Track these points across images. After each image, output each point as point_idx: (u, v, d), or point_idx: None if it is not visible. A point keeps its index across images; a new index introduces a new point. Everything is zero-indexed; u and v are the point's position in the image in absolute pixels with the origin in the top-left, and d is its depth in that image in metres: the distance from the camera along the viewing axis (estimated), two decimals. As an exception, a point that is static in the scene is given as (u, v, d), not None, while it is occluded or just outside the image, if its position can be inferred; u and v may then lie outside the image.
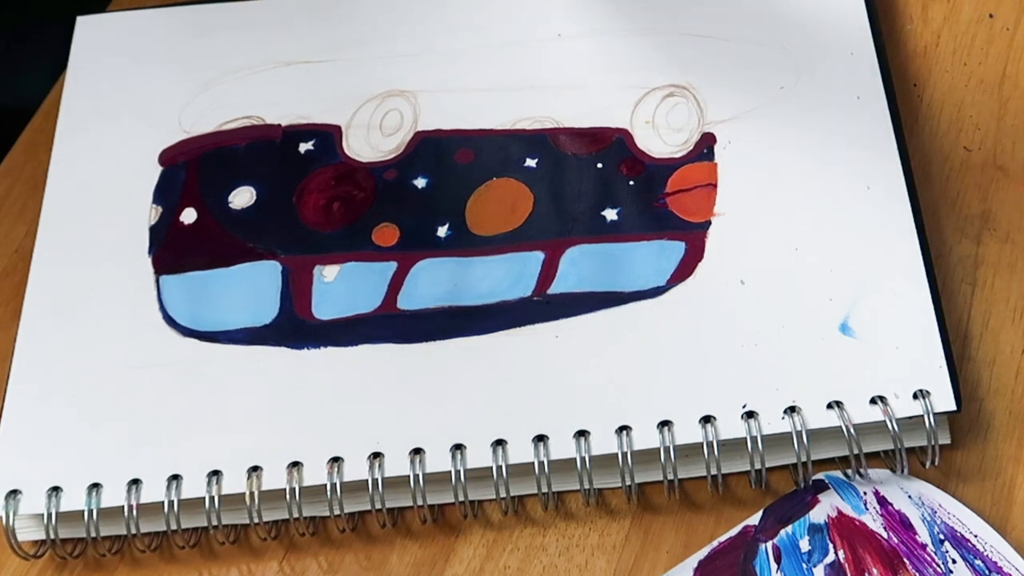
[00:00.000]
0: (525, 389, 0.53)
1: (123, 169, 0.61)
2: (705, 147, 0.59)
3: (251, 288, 0.57)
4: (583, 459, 0.51)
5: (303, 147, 0.61)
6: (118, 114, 0.63)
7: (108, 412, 0.54)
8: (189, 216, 0.59)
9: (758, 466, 0.51)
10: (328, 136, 0.61)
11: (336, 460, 0.52)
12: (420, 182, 0.59)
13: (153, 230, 0.59)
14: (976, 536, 0.50)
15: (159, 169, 0.61)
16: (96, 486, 0.52)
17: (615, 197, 0.58)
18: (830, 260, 0.55)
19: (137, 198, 0.60)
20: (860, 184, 0.56)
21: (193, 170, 0.61)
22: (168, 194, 0.60)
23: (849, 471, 0.52)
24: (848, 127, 0.58)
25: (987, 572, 0.49)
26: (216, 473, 0.52)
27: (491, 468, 0.51)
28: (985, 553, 0.49)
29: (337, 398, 0.54)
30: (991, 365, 0.54)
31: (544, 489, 0.52)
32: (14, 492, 0.52)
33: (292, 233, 0.58)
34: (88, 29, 0.66)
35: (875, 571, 0.49)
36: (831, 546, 0.50)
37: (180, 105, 0.63)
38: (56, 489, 0.52)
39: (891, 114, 0.58)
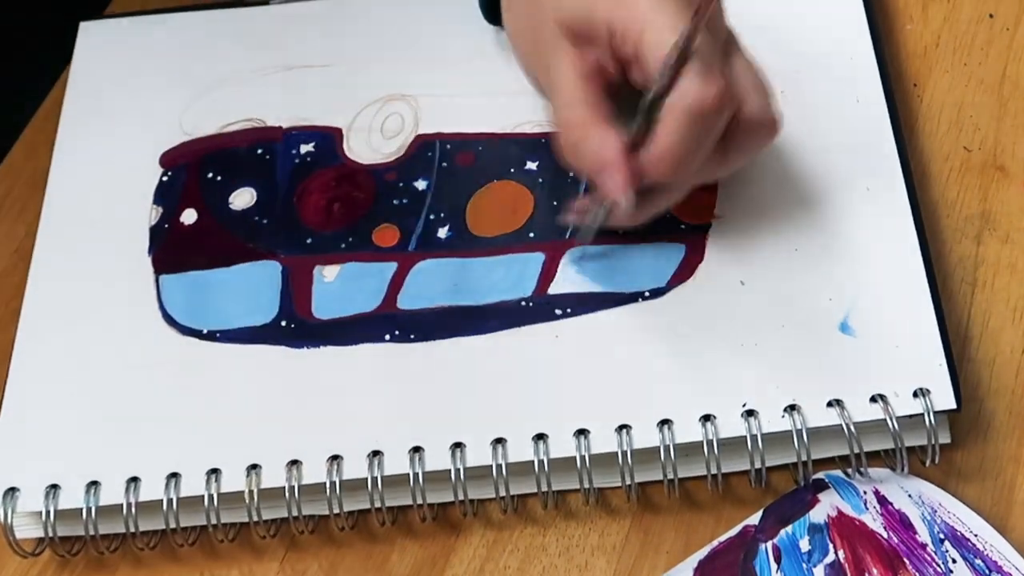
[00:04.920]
0: (525, 388, 0.53)
1: (124, 170, 0.61)
2: (705, 150, 0.59)
3: (251, 288, 0.57)
4: (583, 458, 0.51)
5: (304, 149, 0.61)
6: (120, 116, 0.63)
7: (107, 410, 0.54)
8: (189, 217, 0.60)
9: (758, 465, 0.51)
10: (329, 138, 0.61)
11: (336, 458, 0.52)
12: (420, 184, 0.59)
13: (153, 230, 0.59)
14: (976, 535, 0.49)
15: (160, 170, 0.61)
16: (94, 484, 0.52)
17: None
18: (830, 260, 0.55)
19: (137, 199, 0.60)
20: (860, 184, 0.56)
21: (194, 171, 0.61)
22: (169, 195, 0.60)
23: (849, 470, 0.51)
24: (848, 128, 0.58)
25: (987, 571, 0.49)
26: (215, 471, 0.52)
27: (491, 467, 0.51)
28: (985, 552, 0.49)
29: (337, 397, 0.54)
30: (991, 365, 0.54)
31: (544, 488, 0.51)
32: (12, 490, 0.52)
33: (292, 233, 0.58)
34: (91, 33, 0.66)
35: (875, 571, 0.49)
36: (831, 546, 0.50)
37: (181, 108, 0.63)
38: (54, 487, 0.52)
39: (891, 115, 0.58)
